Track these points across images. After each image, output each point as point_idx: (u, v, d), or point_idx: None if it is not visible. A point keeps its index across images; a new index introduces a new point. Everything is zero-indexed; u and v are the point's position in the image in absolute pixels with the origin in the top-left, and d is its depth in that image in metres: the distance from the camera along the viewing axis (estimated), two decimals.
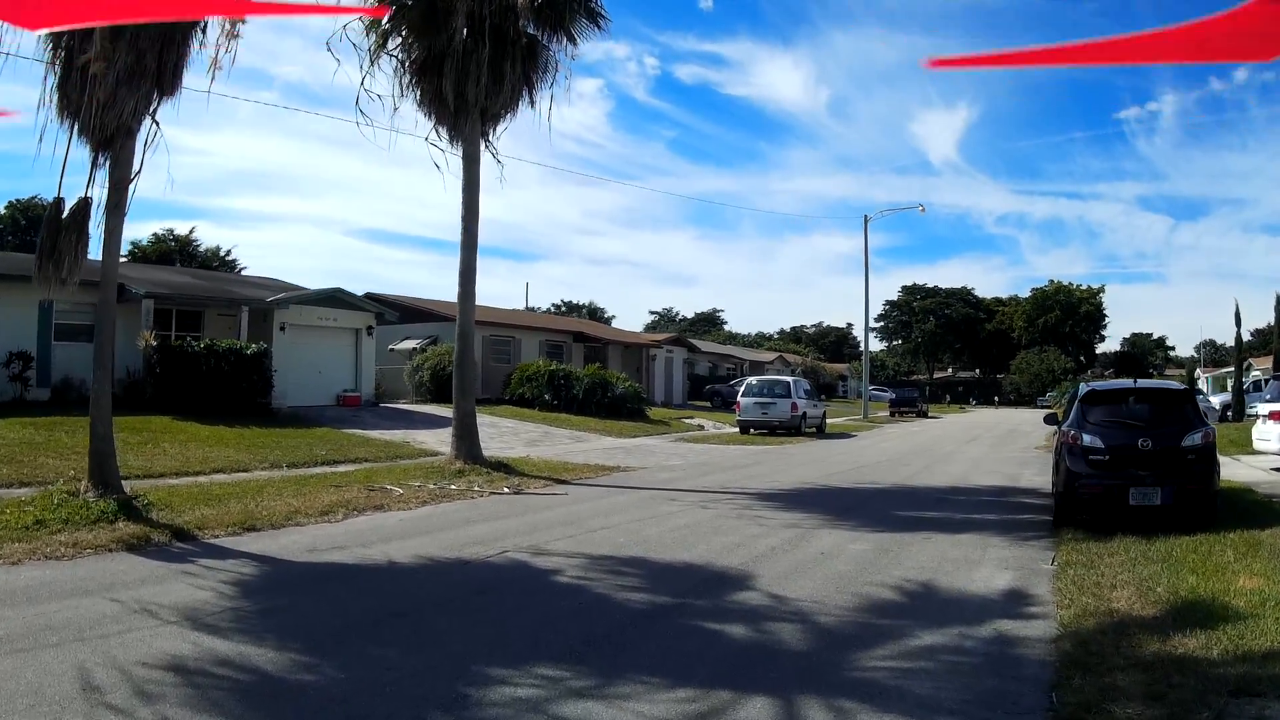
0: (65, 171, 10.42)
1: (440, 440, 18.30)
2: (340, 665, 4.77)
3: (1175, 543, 7.95)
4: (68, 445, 14.10)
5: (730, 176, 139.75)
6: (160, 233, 58.16)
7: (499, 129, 16.04)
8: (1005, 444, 26.99)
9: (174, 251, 52.75)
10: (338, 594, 6.64)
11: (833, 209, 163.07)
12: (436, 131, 15.70)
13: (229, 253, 58.91)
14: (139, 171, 10.49)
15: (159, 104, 10.54)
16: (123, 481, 10.31)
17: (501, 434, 21.71)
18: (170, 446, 15.41)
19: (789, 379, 31.13)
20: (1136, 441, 9.15)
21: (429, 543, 8.56)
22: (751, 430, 28.07)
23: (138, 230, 69.41)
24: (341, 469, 14.39)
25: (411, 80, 15.33)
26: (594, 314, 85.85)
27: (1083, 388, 10.60)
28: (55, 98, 9.95)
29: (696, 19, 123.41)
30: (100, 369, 10.31)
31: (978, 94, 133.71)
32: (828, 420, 31.92)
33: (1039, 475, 16.52)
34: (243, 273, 47.39)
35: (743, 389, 30.29)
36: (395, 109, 15.35)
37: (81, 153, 10.24)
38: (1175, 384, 10.35)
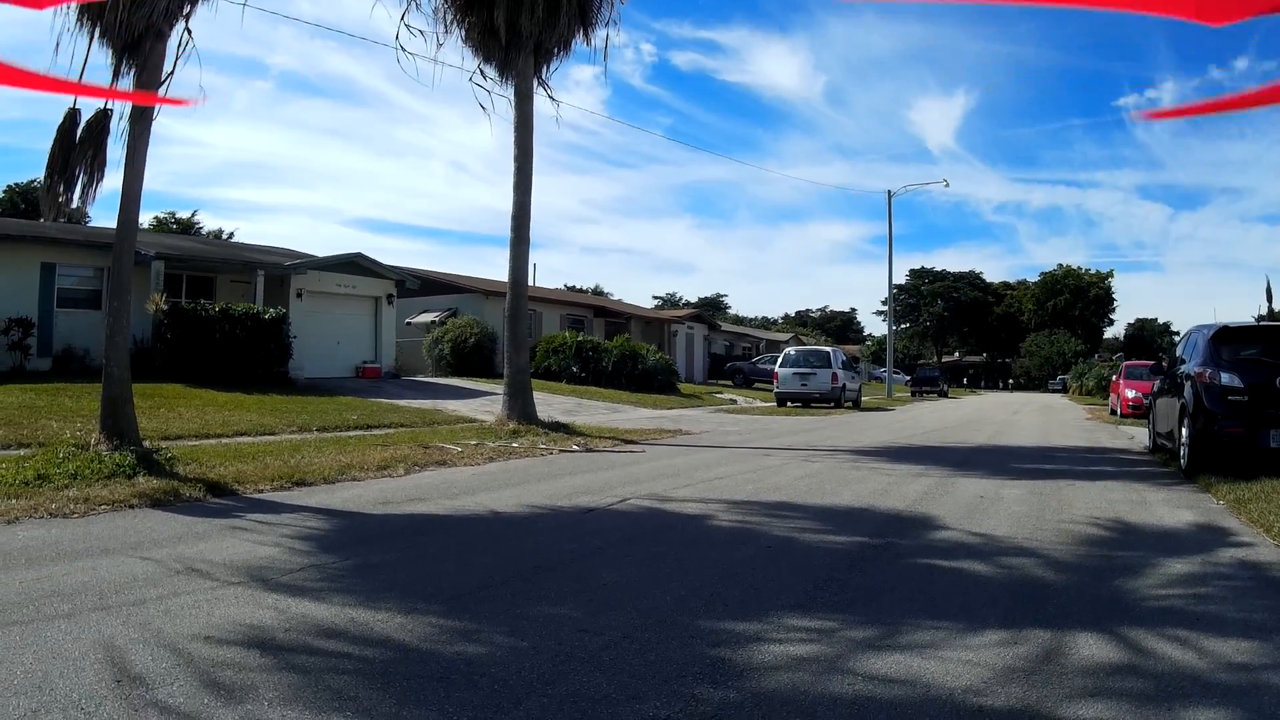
0: (83, 77, 9.09)
1: (473, 410, 17.09)
2: (510, 630, 3.32)
3: None
4: (72, 409, 12.56)
5: (726, 164, 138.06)
6: (162, 216, 57.11)
7: (551, 66, 14.93)
8: (1050, 416, 26.03)
9: (177, 234, 51.26)
10: (445, 547, 5.10)
11: (829, 197, 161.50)
12: (481, 72, 14.76)
13: (231, 235, 57.57)
14: (171, 74, 9.02)
15: (194, 7, 9.15)
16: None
17: None
18: (186, 410, 13.85)
19: (828, 349, 29.53)
20: (1275, 380, 8.65)
21: (526, 493, 7.01)
22: (789, 403, 26.53)
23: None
24: (378, 432, 12.81)
25: (456, 17, 14.10)
26: (599, 296, 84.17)
27: (1204, 328, 9.79)
28: None
29: (693, 6, 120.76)
30: (118, 299, 8.68)
31: (975, 82, 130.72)
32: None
33: (1113, 439, 15.96)
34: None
35: (780, 359, 28.67)
36: (440, 45, 14.31)
37: (102, 59, 8.80)
38: None
